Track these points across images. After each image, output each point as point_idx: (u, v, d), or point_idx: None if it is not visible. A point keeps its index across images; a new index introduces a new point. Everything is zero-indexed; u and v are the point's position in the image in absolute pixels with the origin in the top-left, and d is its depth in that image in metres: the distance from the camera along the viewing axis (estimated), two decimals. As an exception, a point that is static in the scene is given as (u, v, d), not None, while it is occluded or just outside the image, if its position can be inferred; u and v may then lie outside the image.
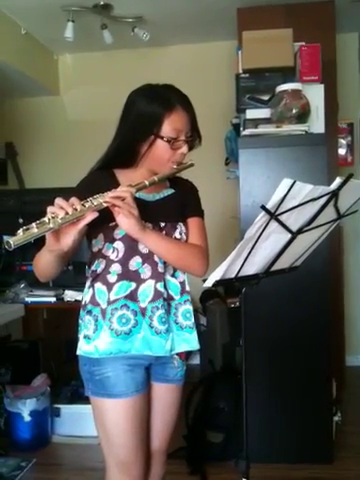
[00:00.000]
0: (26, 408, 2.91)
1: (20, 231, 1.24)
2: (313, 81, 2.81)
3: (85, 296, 1.58)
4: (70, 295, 3.02)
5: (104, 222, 1.44)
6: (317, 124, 2.75)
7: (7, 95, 4.64)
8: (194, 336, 1.60)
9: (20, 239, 1.24)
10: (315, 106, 2.73)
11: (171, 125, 1.51)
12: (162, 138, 1.51)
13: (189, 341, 1.60)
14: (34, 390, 3.01)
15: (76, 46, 4.35)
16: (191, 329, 1.60)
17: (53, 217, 1.27)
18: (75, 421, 3.05)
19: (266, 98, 2.85)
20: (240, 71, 3.01)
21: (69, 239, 1.34)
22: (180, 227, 1.60)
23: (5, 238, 3.10)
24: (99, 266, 1.54)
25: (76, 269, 2.92)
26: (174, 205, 1.61)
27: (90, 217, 1.33)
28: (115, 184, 1.50)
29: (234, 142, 3.53)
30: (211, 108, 4.19)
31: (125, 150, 1.56)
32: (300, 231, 1.40)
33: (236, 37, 3.62)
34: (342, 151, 4.26)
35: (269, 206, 1.27)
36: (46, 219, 1.27)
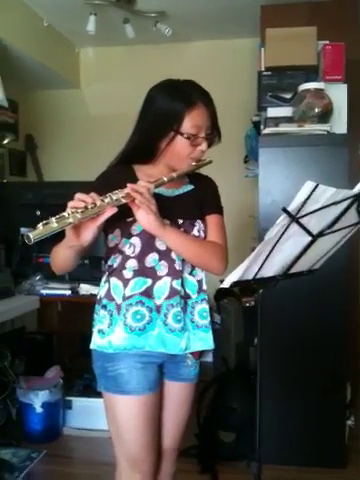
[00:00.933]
0: (38, 399, 2.93)
1: (40, 225, 1.24)
2: (336, 80, 2.77)
3: (101, 290, 1.59)
4: (85, 289, 3.03)
5: (121, 217, 1.43)
6: (339, 124, 2.71)
7: (28, 87, 4.66)
8: (209, 335, 1.60)
9: (39, 233, 1.23)
10: (338, 106, 2.69)
11: (191, 122, 1.49)
12: (182, 134, 1.50)
13: (204, 340, 1.59)
14: (47, 382, 3.03)
15: (98, 40, 4.35)
16: (207, 328, 1.59)
17: (73, 212, 1.27)
18: (87, 414, 3.06)
19: (288, 97, 2.83)
20: (262, 68, 2.98)
21: (89, 234, 1.34)
22: (199, 225, 1.59)
23: (22, 230, 3.12)
24: (115, 261, 1.54)
25: (92, 263, 2.93)
26: (193, 202, 1.60)
27: (109, 212, 1.33)
28: (134, 179, 1.50)
29: (254, 140, 3.50)
30: (232, 105, 4.15)
31: (144, 146, 1.55)
32: (321, 234, 1.38)
33: (259, 34, 3.58)
34: (363, 152, 4.20)
35: (291, 209, 1.25)
36: (66, 214, 1.27)
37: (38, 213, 3.05)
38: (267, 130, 2.71)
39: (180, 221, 1.55)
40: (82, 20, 3.78)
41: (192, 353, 1.62)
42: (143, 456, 1.58)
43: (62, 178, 4.06)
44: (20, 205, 3.19)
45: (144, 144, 1.55)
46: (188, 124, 1.49)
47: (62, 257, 1.46)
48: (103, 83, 4.69)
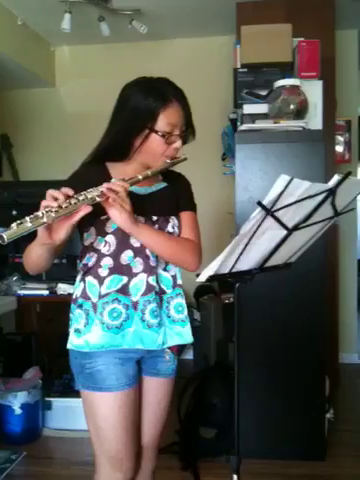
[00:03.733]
0: (17, 401, 2.90)
1: (13, 225, 1.23)
2: (311, 77, 2.80)
3: (76, 290, 1.57)
4: (63, 288, 3.01)
5: (96, 215, 1.42)
6: (315, 120, 2.74)
7: (2, 86, 4.61)
8: (187, 329, 1.60)
9: (13, 233, 1.22)
10: (313, 102, 2.72)
11: (166, 119, 1.49)
12: (157, 132, 1.50)
13: (182, 334, 1.59)
14: (25, 383, 3.00)
15: (73, 38, 4.31)
16: (184, 322, 1.59)
17: (47, 211, 1.26)
18: (67, 415, 3.04)
19: (264, 93, 2.84)
20: (238, 66, 2.99)
21: (62, 233, 1.32)
22: (173, 221, 1.59)
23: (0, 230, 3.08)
24: (90, 260, 1.53)
25: (69, 262, 2.91)
26: (167, 199, 1.60)
27: (84, 211, 1.31)
28: (107, 177, 1.49)
29: (231, 137, 3.51)
30: (209, 103, 4.18)
31: (119, 143, 1.54)
32: (296, 228, 1.39)
33: (235, 32, 3.60)
34: (339, 148, 4.25)
35: (265, 202, 1.25)
36: (40, 213, 1.25)
37: (14, 213, 3.02)
38: (243, 126, 2.72)
39: (154, 218, 1.55)
40: (57, 18, 3.74)
41: (170, 348, 1.61)
42: (123, 453, 1.57)
43: (38, 177, 4.03)
44: (-5, 205, 3.15)
45: (118, 142, 1.54)
46: (163, 122, 1.49)
47: (35, 256, 1.43)
48: (79, 81, 4.66)
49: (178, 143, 1.54)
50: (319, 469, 2.64)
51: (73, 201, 1.30)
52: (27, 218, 1.24)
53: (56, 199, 1.28)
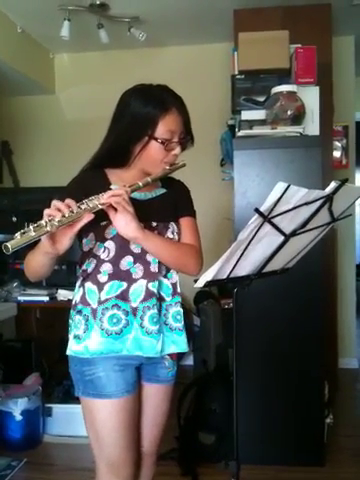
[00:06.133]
0: (17, 407, 2.90)
1: (17, 235, 1.25)
2: (308, 83, 2.81)
3: (75, 296, 1.58)
4: (63, 294, 3.02)
5: (95, 222, 1.43)
6: (312, 126, 2.75)
7: (2, 93, 4.62)
8: (183, 338, 1.60)
9: (18, 243, 1.24)
10: (310, 108, 2.73)
11: (165, 127, 1.51)
12: (156, 139, 1.51)
13: (178, 343, 1.59)
14: (26, 389, 3.00)
15: (72, 45, 4.34)
16: (180, 331, 1.59)
17: (50, 220, 1.27)
18: (67, 421, 3.04)
19: (261, 100, 2.86)
20: (236, 72, 3.01)
21: (66, 241, 1.34)
22: (172, 227, 1.60)
23: (0, 237, 3.09)
24: (90, 266, 1.54)
25: (69, 268, 2.92)
26: (166, 204, 1.61)
27: (86, 219, 1.33)
28: (107, 184, 1.51)
29: (229, 143, 3.53)
30: (207, 109, 4.19)
31: (118, 150, 1.56)
32: (293, 234, 1.40)
33: (232, 39, 3.62)
34: (337, 154, 4.27)
35: (262, 209, 1.27)
36: (43, 222, 1.27)
37: (14, 219, 3.04)
38: (241, 132, 2.74)
39: (154, 224, 1.56)
40: (56, 26, 3.76)
41: (169, 354, 1.62)
42: (123, 460, 1.58)
43: (39, 184, 4.04)
44: (-5, 211, 3.17)
45: (117, 148, 1.56)
46: (162, 129, 1.51)
47: (37, 264, 1.45)
48: (78, 88, 4.67)
49: (177, 150, 1.55)
50: (318, 474, 2.64)
51: (76, 210, 1.32)
52: (30, 227, 1.26)
53: (60, 210, 1.30)
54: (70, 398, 3.04)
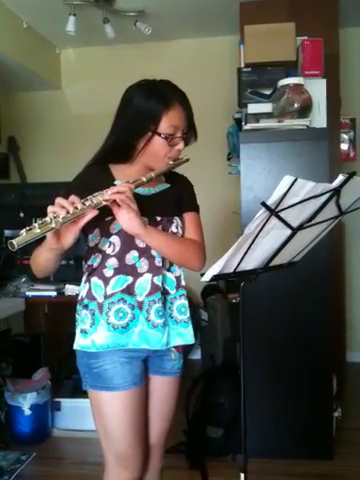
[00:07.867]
0: (27, 402, 2.92)
1: (23, 231, 1.26)
2: (315, 76, 2.79)
3: (81, 291, 1.59)
4: (71, 289, 3.03)
5: (100, 217, 1.43)
6: (319, 119, 2.73)
7: (9, 89, 4.63)
8: (189, 330, 1.61)
9: (23, 240, 1.25)
10: (317, 101, 2.71)
11: (169, 122, 1.51)
12: (159, 135, 1.51)
13: (184, 335, 1.60)
14: (35, 384, 3.02)
15: (78, 40, 4.34)
16: (186, 323, 1.60)
17: (55, 217, 1.28)
18: (76, 415, 3.05)
19: (268, 92, 2.84)
20: (242, 65, 3.00)
21: (70, 238, 1.35)
22: (176, 221, 1.60)
23: (6, 232, 3.11)
24: (95, 260, 1.55)
25: (77, 263, 2.93)
26: (170, 199, 1.61)
27: (91, 215, 1.34)
28: (111, 179, 1.52)
29: (236, 137, 3.51)
30: (213, 103, 4.18)
31: (122, 146, 1.56)
32: (301, 227, 1.39)
33: (238, 31, 3.60)
34: (344, 146, 4.22)
35: (269, 203, 1.26)
36: (48, 219, 1.28)
37: (21, 215, 3.04)
38: (248, 126, 2.72)
39: (158, 218, 1.57)
40: (62, 21, 3.76)
41: (175, 347, 1.63)
42: (131, 452, 1.59)
43: (45, 179, 4.03)
44: (3, 207, 3.18)
45: (121, 144, 1.56)
46: (165, 124, 1.51)
47: (43, 260, 1.47)
48: (84, 83, 4.67)
49: (180, 145, 1.56)
50: (327, 468, 2.64)
51: (80, 206, 1.32)
52: (35, 224, 1.27)
53: (63, 207, 1.30)
54: (79, 392, 3.04)
